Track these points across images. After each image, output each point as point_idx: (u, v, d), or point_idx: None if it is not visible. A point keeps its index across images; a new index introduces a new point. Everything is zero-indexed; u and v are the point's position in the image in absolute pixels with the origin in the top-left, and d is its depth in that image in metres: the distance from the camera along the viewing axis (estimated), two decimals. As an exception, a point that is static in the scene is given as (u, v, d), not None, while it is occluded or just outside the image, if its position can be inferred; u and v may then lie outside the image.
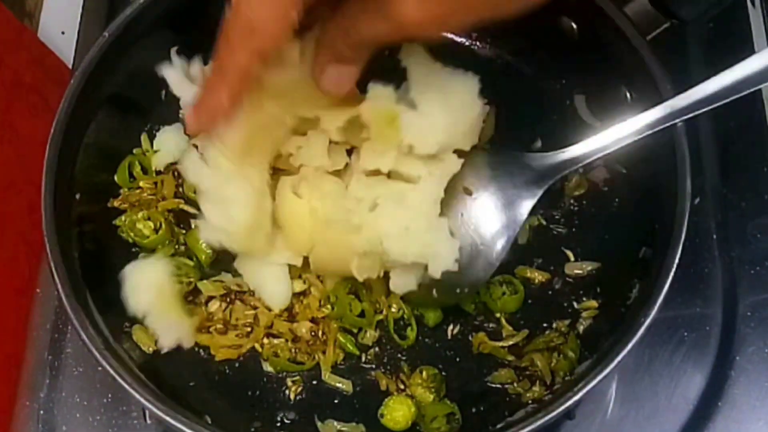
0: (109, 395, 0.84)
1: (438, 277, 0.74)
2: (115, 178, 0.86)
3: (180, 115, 0.87)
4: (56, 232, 0.72)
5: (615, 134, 0.71)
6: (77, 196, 0.78)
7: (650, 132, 0.70)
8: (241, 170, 0.74)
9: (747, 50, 0.94)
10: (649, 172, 0.77)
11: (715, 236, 0.87)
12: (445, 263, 0.73)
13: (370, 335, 0.81)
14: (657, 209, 0.74)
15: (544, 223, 0.85)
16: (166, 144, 0.87)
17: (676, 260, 0.68)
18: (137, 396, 0.68)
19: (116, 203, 0.85)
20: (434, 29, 0.60)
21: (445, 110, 0.72)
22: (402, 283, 0.78)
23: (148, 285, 0.79)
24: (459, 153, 0.75)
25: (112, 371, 0.68)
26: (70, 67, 1.00)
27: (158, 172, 0.87)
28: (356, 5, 0.62)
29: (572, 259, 0.83)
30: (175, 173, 0.87)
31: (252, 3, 0.60)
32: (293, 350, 0.81)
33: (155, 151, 0.87)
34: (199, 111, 0.68)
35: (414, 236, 0.73)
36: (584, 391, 0.65)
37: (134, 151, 0.87)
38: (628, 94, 0.79)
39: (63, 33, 1.04)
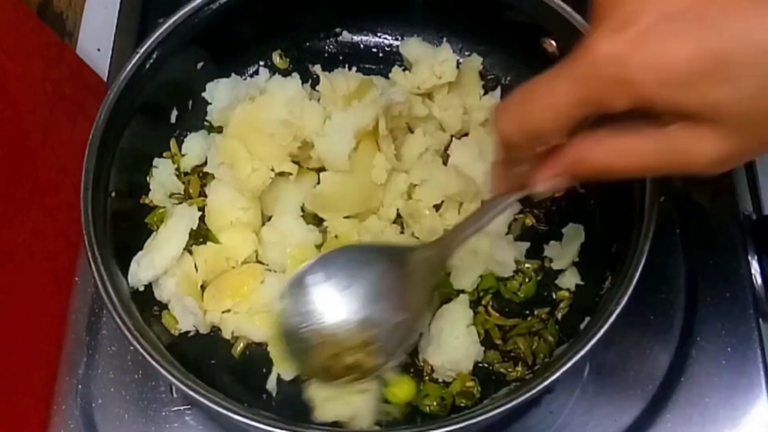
0: (140, 372, 0.83)
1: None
2: (147, 178, 0.86)
3: (204, 123, 0.88)
4: (93, 226, 0.73)
5: None
6: (112, 195, 0.79)
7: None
8: None
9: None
10: (620, 176, 0.76)
11: (678, 231, 0.86)
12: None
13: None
14: (627, 209, 0.73)
15: (535, 222, 0.85)
16: (193, 148, 0.88)
17: (645, 256, 0.68)
18: (164, 373, 0.68)
19: (147, 201, 0.85)
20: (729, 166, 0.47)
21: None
22: None
23: (171, 274, 0.80)
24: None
25: (142, 351, 0.69)
26: (105, 80, 0.99)
27: (185, 174, 0.88)
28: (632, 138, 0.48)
29: (552, 253, 0.83)
30: (200, 174, 0.87)
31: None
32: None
33: (183, 155, 0.88)
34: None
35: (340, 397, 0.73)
36: (561, 371, 0.65)
37: (164, 154, 0.88)
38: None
39: (99, 50, 1.04)
